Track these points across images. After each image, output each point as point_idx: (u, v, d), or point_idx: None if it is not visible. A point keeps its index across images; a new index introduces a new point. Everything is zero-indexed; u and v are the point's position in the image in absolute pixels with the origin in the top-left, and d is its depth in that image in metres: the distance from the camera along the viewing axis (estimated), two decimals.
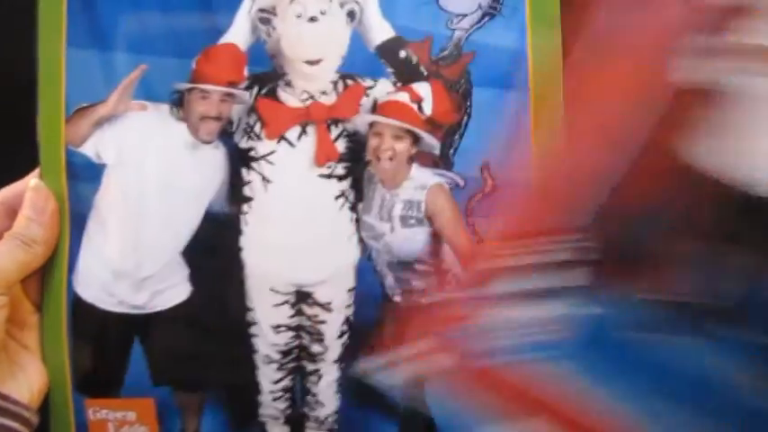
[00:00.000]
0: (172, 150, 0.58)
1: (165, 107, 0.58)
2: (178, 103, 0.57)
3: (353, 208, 0.58)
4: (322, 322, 0.59)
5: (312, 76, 0.57)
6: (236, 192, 0.58)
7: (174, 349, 0.59)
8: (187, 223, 0.58)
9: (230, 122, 0.58)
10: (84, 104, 0.57)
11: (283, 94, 0.57)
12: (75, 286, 0.57)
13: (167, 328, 0.59)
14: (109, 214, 0.57)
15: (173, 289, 0.59)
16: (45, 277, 0.57)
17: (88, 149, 0.57)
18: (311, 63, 0.56)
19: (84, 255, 0.57)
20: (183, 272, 0.58)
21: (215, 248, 0.58)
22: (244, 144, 0.58)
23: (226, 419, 0.60)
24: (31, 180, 0.56)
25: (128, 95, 0.56)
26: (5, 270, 0.52)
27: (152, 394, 0.58)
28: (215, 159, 0.59)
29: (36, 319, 0.57)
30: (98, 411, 0.58)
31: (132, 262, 0.57)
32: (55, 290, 0.57)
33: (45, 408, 0.57)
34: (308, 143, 0.57)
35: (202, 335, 0.58)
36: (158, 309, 0.59)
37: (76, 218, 0.57)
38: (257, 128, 0.57)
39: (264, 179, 0.57)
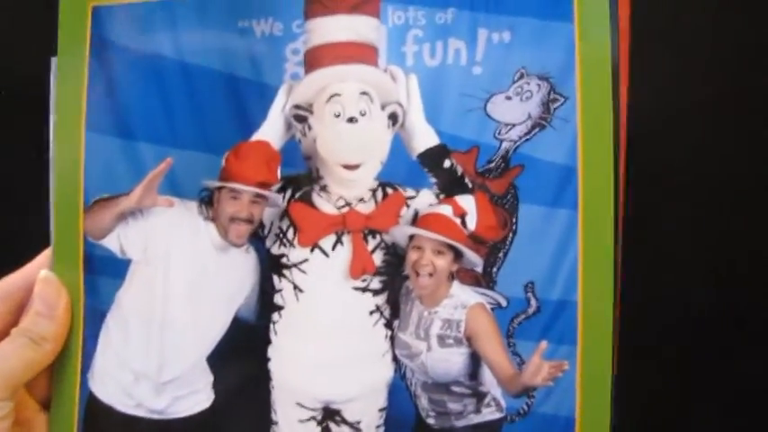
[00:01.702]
0: (200, 251, 0.55)
1: (194, 204, 0.55)
2: (207, 201, 0.55)
3: (389, 324, 0.55)
4: None
5: (350, 182, 0.54)
6: (266, 299, 0.56)
7: None
8: (214, 328, 0.55)
9: (262, 226, 0.55)
10: (106, 195, 0.54)
11: (318, 199, 0.55)
12: (91, 385, 0.55)
13: None
14: (132, 313, 0.55)
15: (195, 395, 0.56)
16: (55, 374, 0.54)
17: (111, 243, 0.54)
18: (349, 167, 0.53)
19: (101, 353, 0.55)
20: (207, 378, 0.56)
21: (242, 357, 0.56)
22: (275, 250, 0.55)
23: None
24: (42, 272, 0.53)
25: (153, 189, 0.54)
26: (12, 371, 0.49)
27: None
28: (245, 263, 0.56)
29: (42, 419, 0.54)
30: None
31: (155, 364, 0.55)
32: (66, 388, 0.54)
33: None
34: (344, 253, 0.54)
35: None
36: (178, 415, 0.56)
37: (93, 313, 0.54)
38: (290, 234, 0.55)
39: (296, 288, 0.55)
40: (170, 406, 0.56)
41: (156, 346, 0.55)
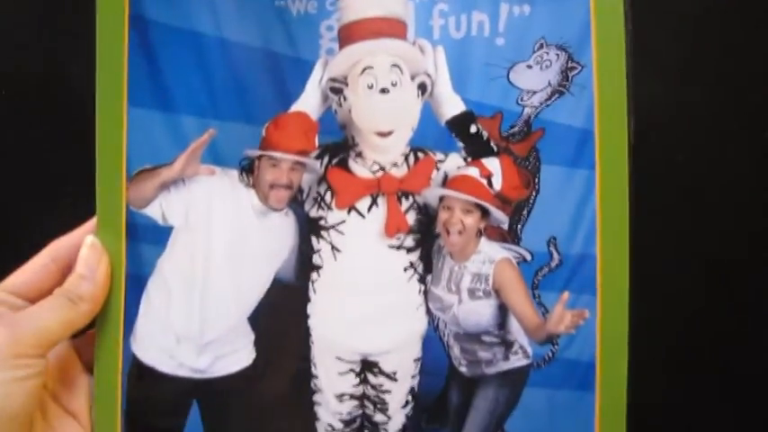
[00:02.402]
0: (241, 216, 0.58)
1: (235, 173, 0.58)
2: (248, 169, 0.58)
3: (422, 279, 0.59)
4: (387, 392, 0.59)
5: (383, 148, 0.57)
6: (304, 260, 0.59)
7: (233, 415, 0.59)
8: (254, 289, 0.58)
9: (300, 191, 0.59)
10: (148, 166, 0.57)
11: (354, 164, 0.58)
12: (134, 348, 0.57)
13: (228, 393, 0.59)
14: (173, 277, 0.57)
15: (236, 354, 0.59)
16: (98, 338, 0.56)
17: (153, 212, 0.57)
18: (382, 135, 0.57)
19: (143, 316, 0.57)
20: (248, 337, 0.59)
21: (282, 315, 0.59)
22: (314, 213, 0.59)
23: None
24: (88, 237, 0.55)
25: (196, 159, 0.57)
26: (47, 329, 0.50)
27: None
28: (284, 227, 0.59)
29: (86, 381, 0.56)
30: None
31: (196, 326, 0.57)
32: (110, 350, 0.56)
33: None
34: (379, 214, 0.58)
35: (264, 402, 0.58)
36: (220, 374, 0.59)
37: (135, 279, 0.56)
38: (327, 197, 0.58)
39: (334, 248, 0.58)
40: (212, 365, 0.58)
41: (198, 308, 0.57)
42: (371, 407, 0.60)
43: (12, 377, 0.47)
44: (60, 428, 0.53)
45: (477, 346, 0.58)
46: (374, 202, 0.58)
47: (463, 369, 0.59)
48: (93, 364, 0.56)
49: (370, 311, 0.58)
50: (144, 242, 0.57)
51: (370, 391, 0.60)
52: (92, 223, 0.56)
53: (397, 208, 0.58)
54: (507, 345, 0.58)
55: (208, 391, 0.59)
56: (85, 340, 0.57)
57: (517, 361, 0.58)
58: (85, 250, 0.54)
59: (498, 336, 0.58)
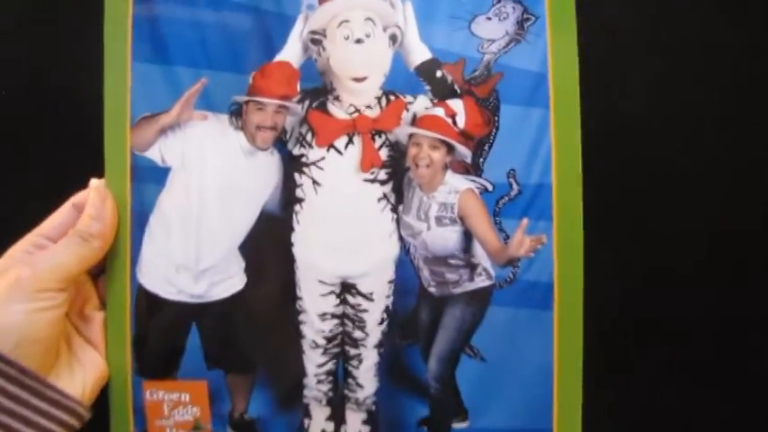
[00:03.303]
0: (231, 156, 0.64)
1: (225, 117, 0.64)
2: (237, 113, 0.64)
3: (394, 209, 0.65)
4: (364, 311, 0.66)
5: (358, 92, 0.64)
6: (288, 194, 0.65)
7: (228, 335, 0.65)
8: (244, 221, 0.65)
9: (284, 132, 0.65)
10: (149, 114, 0.63)
11: (332, 107, 0.65)
12: (139, 278, 0.63)
13: (223, 315, 0.65)
14: (172, 213, 0.63)
15: (229, 280, 0.65)
16: (109, 270, 0.62)
17: (153, 154, 0.63)
18: (357, 80, 0.63)
19: (146, 249, 0.63)
20: (239, 264, 0.65)
21: (269, 244, 0.65)
22: (296, 151, 0.65)
23: (272, 401, 0.66)
24: (92, 181, 0.61)
25: (190, 106, 0.63)
26: (65, 264, 0.56)
27: (205, 377, 0.64)
28: (270, 164, 0.65)
29: (101, 316, 0.62)
30: (155, 393, 0.64)
31: (193, 256, 0.64)
32: (119, 281, 0.62)
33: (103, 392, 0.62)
34: (355, 151, 0.64)
35: (255, 322, 0.65)
36: (215, 298, 0.65)
37: (139, 216, 0.63)
38: (309, 137, 0.64)
39: (315, 182, 0.64)
40: (208, 291, 0.65)
41: (194, 240, 0.64)
42: (351, 324, 0.66)
43: (34, 308, 0.53)
44: (83, 356, 0.59)
45: (444, 268, 0.65)
46: (350, 140, 0.64)
47: (432, 289, 0.65)
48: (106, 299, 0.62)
49: (348, 238, 0.64)
50: (146, 182, 0.64)
51: (350, 311, 0.66)
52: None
53: (371, 145, 0.64)
54: (472, 267, 0.64)
55: (205, 314, 0.65)
56: (102, 282, 0.63)
57: (481, 282, 0.64)
58: (92, 193, 0.60)
59: (463, 259, 0.64)
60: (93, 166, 0.62)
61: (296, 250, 0.65)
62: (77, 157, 0.64)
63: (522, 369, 0.63)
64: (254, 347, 0.65)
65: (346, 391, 0.67)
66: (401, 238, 0.65)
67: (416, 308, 0.66)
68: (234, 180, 0.64)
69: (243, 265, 0.65)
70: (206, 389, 0.64)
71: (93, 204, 0.59)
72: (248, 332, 0.65)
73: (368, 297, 0.66)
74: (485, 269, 0.64)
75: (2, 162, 0.75)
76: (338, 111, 0.65)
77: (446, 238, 0.64)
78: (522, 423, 0.63)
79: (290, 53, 0.64)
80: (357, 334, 0.66)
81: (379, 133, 0.64)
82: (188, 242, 0.64)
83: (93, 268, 0.60)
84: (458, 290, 0.65)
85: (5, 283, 0.53)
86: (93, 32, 0.63)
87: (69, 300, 0.57)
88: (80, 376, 0.58)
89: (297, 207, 0.65)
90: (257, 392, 0.66)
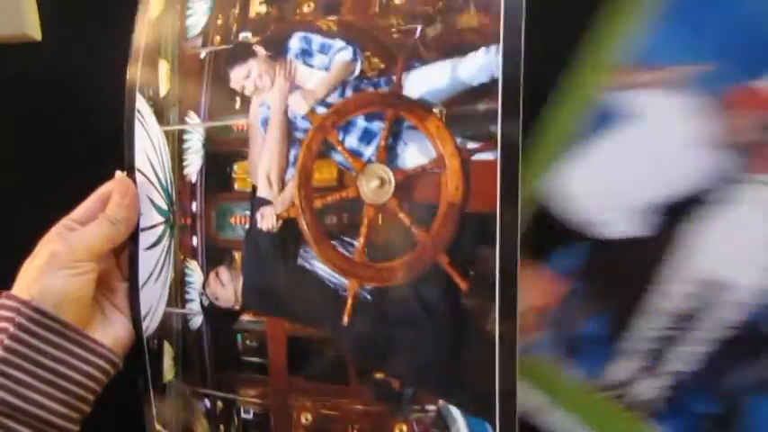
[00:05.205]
0: None
1: None
2: None
3: None
4: None
5: None
6: None
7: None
8: None
9: None
10: None
11: None
12: None
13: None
14: None
15: None
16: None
17: None
18: None
19: None
20: None
21: None
22: None
23: None
24: (117, 173, 0.70)
25: None
26: (96, 243, 0.65)
27: None
28: None
29: (125, 287, 0.71)
30: None
31: None
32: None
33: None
34: None
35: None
36: None
37: None
38: None
39: None
40: None
41: None
42: None
43: (70, 273, 0.62)
44: (112, 317, 0.68)
45: None
46: None
47: None
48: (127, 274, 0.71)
49: None
50: None
51: None
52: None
53: None
54: None
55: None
56: (123, 258, 0.72)
57: None
58: (116, 183, 0.69)
59: None
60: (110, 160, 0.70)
61: None
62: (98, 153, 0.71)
63: None
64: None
65: None
66: None
67: None
68: None
69: None
70: None
71: (118, 192, 0.68)
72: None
73: None
74: None
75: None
76: None
77: None
78: None
79: None
80: None
81: None
82: None
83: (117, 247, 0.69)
84: None
85: (46, 254, 0.62)
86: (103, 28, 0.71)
87: (99, 269, 0.66)
88: (111, 332, 0.67)
89: None
90: None
